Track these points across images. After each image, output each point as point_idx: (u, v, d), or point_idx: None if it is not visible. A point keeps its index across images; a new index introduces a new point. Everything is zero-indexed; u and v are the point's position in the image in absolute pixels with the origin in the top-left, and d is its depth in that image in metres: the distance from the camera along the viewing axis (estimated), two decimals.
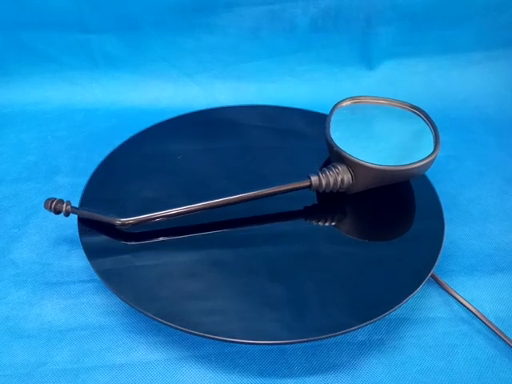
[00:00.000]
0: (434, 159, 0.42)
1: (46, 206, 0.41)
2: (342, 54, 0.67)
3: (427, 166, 0.42)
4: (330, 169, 0.42)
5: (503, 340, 0.38)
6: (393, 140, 0.45)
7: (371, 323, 0.35)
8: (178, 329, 0.34)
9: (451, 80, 0.68)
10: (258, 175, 0.47)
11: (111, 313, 0.41)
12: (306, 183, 0.42)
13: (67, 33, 0.64)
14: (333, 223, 0.43)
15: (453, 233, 0.47)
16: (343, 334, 0.34)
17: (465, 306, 0.40)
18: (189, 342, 0.39)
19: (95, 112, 0.66)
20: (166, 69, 0.68)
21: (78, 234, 0.41)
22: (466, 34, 0.66)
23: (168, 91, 0.68)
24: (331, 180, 0.41)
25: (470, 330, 0.39)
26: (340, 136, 0.43)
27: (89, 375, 0.36)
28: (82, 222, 0.42)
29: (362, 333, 0.39)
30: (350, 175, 0.41)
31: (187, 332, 0.34)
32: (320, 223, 0.43)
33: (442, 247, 0.40)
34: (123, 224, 0.40)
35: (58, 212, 0.41)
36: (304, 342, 0.34)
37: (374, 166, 0.40)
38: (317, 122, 0.54)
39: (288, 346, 0.38)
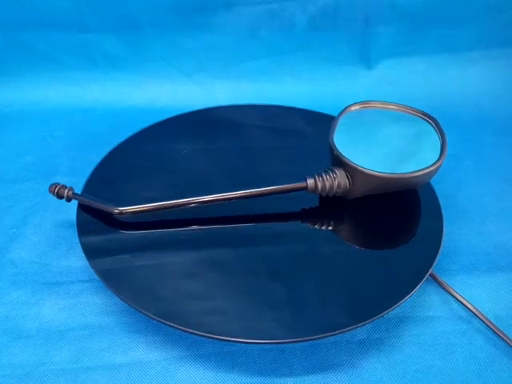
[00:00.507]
0: (437, 168, 0.40)
1: (50, 190, 0.43)
2: (341, 53, 0.67)
3: (429, 175, 0.41)
4: (327, 172, 0.41)
5: (502, 339, 0.38)
6: (399, 147, 0.44)
7: (370, 322, 0.35)
8: (177, 328, 0.34)
9: (450, 79, 0.68)
10: (257, 175, 0.47)
11: (110, 312, 0.41)
12: (303, 185, 0.41)
13: (67, 33, 0.64)
14: (332, 223, 0.43)
15: (452, 232, 0.47)
16: (342, 333, 0.34)
17: (464, 304, 0.40)
18: (188, 341, 0.39)
19: (94, 112, 0.66)
20: (165, 68, 0.68)
21: (76, 233, 0.41)
22: (465, 33, 0.66)
23: (167, 91, 0.68)
24: (327, 184, 0.41)
25: (469, 329, 0.40)
26: (344, 140, 0.43)
27: (88, 375, 0.36)
28: (82, 208, 0.43)
29: (361, 332, 0.39)
30: (347, 180, 0.41)
31: (187, 331, 0.34)
32: (320, 223, 0.43)
33: (441, 246, 0.40)
34: (121, 213, 0.41)
35: (60, 197, 0.43)
36: (303, 341, 0.34)
37: (371, 172, 0.39)
38: (316, 121, 0.55)
39: (287, 345, 0.38)
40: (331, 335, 0.34)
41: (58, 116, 0.65)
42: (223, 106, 0.58)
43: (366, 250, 0.41)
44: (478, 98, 0.66)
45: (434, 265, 0.38)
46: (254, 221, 0.43)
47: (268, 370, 0.37)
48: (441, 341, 0.39)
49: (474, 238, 0.47)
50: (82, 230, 0.41)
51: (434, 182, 0.46)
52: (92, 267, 0.38)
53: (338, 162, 0.41)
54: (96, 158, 0.49)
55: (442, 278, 0.42)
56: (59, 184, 0.43)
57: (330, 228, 0.43)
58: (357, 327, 0.34)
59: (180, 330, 0.34)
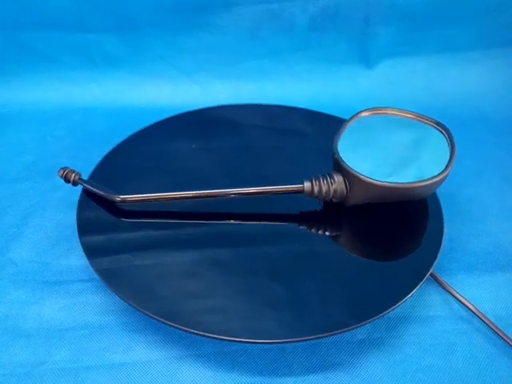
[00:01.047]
0: (440, 181, 0.39)
1: (58, 174, 0.45)
2: (341, 53, 0.67)
3: (432, 187, 0.39)
4: (325, 177, 0.41)
5: (502, 338, 0.38)
6: (406, 156, 0.42)
7: (371, 322, 0.35)
8: (177, 328, 0.34)
9: (450, 79, 0.68)
10: (257, 174, 0.47)
11: (110, 312, 0.41)
12: (299, 188, 0.41)
13: (66, 32, 0.64)
14: (333, 222, 0.43)
15: (452, 231, 0.47)
16: (343, 332, 0.34)
17: (464, 304, 0.40)
18: (188, 340, 0.39)
19: (94, 111, 0.66)
20: (165, 68, 0.68)
21: (77, 233, 0.41)
22: (465, 33, 0.66)
23: (167, 91, 0.68)
24: (323, 189, 0.40)
25: (470, 329, 0.40)
26: (349, 146, 0.42)
27: (88, 374, 0.36)
28: (87, 194, 0.44)
29: (361, 331, 0.39)
30: (344, 187, 0.40)
31: (187, 331, 0.34)
32: (320, 223, 0.43)
33: (442, 246, 0.40)
34: (122, 201, 0.42)
35: (67, 180, 0.45)
36: (304, 341, 0.34)
37: (368, 179, 0.38)
38: (316, 121, 0.55)
39: (288, 344, 0.38)
40: (331, 335, 0.34)
41: (58, 116, 0.65)
42: (223, 105, 0.58)
43: (366, 250, 0.41)
44: (478, 97, 0.66)
45: (434, 264, 0.38)
46: (254, 220, 0.43)
47: (268, 369, 0.37)
48: (441, 340, 0.39)
49: (475, 238, 0.47)
50: (82, 229, 0.41)
51: None
52: (92, 266, 0.38)
53: (338, 167, 0.41)
54: (96, 158, 0.49)
55: (443, 278, 0.42)
56: (68, 168, 0.45)
57: (331, 228, 0.43)
58: (357, 327, 0.34)
59: (180, 329, 0.34)
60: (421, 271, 0.38)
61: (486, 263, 0.45)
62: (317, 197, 0.41)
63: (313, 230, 0.42)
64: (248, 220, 0.43)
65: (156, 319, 0.34)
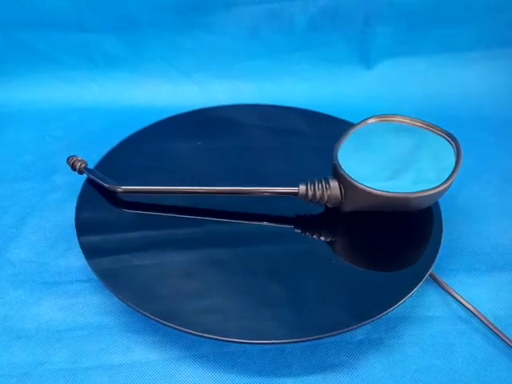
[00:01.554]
0: (439, 193, 0.38)
1: (67, 161, 0.47)
2: (341, 53, 0.67)
3: (429, 198, 0.38)
4: (320, 182, 0.40)
5: (501, 339, 0.38)
6: (410, 166, 0.41)
7: (370, 322, 0.35)
8: (176, 328, 0.34)
9: (449, 79, 0.68)
10: (255, 174, 0.47)
11: (109, 312, 0.41)
12: (294, 191, 0.41)
13: (66, 32, 0.64)
14: (333, 223, 0.43)
15: (451, 232, 0.47)
16: (342, 333, 0.34)
17: (463, 304, 0.40)
18: (187, 341, 0.39)
19: (93, 111, 0.66)
20: (164, 68, 0.68)
21: (75, 233, 0.41)
22: (465, 33, 0.66)
23: (166, 90, 0.68)
24: (318, 193, 0.40)
25: (469, 329, 0.39)
26: (350, 152, 0.41)
27: (87, 375, 0.36)
28: (90, 183, 0.45)
29: (360, 332, 0.39)
30: (339, 193, 0.40)
31: (185, 332, 0.34)
32: (320, 223, 0.43)
33: (441, 246, 0.39)
34: (124, 191, 0.43)
35: (73, 168, 0.46)
36: (303, 341, 0.34)
37: (362, 186, 0.37)
38: (315, 121, 0.55)
39: (287, 345, 0.38)
40: (331, 335, 0.34)
41: (58, 115, 0.65)
42: (223, 105, 0.58)
43: (365, 250, 0.40)
44: (477, 98, 0.66)
45: (433, 265, 0.38)
46: (253, 220, 0.43)
47: (267, 370, 0.37)
48: (440, 341, 0.39)
49: (474, 238, 0.47)
50: (81, 229, 0.41)
51: None
52: (91, 267, 0.38)
53: (335, 172, 0.40)
54: (95, 158, 0.49)
55: (442, 278, 0.42)
56: (76, 157, 0.47)
57: (331, 228, 0.43)
58: (357, 327, 0.34)
59: (179, 330, 0.34)
60: (420, 271, 0.38)
61: (485, 264, 0.45)
62: (311, 201, 0.41)
63: (312, 230, 0.42)
64: (247, 220, 0.43)
65: (155, 320, 0.34)
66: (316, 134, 0.53)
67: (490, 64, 0.67)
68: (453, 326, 0.40)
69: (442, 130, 0.42)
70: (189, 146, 0.51)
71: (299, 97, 0.66)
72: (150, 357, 0.38)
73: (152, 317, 0.34)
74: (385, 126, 0.43)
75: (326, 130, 0.53)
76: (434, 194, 0.37)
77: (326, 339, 0.38)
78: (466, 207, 0.50)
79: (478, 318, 0.39)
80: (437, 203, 0.43)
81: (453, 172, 0.38)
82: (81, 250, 0.39)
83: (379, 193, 0.37)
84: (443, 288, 0.41)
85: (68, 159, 0.47)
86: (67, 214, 0.47)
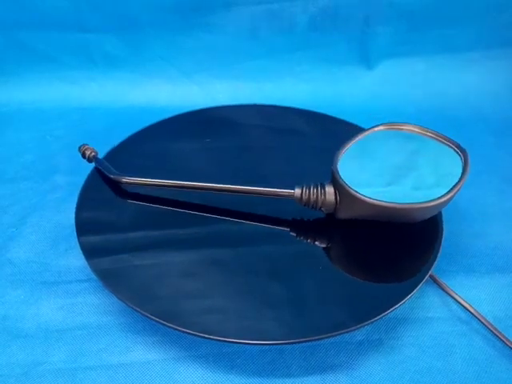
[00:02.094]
0: (438, 205, 0.36)
1: (78, 149, 0.48)
2: (341, 53, 0.67)
3: (427, 210, 0.37)
4: (316, 186, 0.40)
5: (501, 340, 0.38)
6: (412, 173, 0.40)
7: (370, 323, 0.35)
8: (175, 329, 0.34)
9: (449, 79, 0.68)
10: (255, 174, 0.47)
11: (109, 312, 0.41)
12: (290, 193, 0.40)
13: (66, 32, 0.64)
14: (333, 223, 0.43)
15: (451, 233, 0.46)
16: (342, 334, 0.34)
17: (463, 306, 0.40)
18: (186, 341, 0.38)
19: (93, 111, 0.66)
20: (164, 68, 0.68)
21: (75, 233, 0.41)
22: (465, 33, 0.66)
23: (167, 91, 0.68)
24: (312, 198, 0.39)
25: (469, 330, 0.39)
26: (353, 157, 0.40)
27: (86, 375, 0.36)
28: (97, 171, 0.47)
29: (360, 333, 0.39)
30: (333, 199, 0.39)
31: (185, 332, 0.34)
32: (320, 223, 0.43)
33: (441, 247, 0.39)
34: (127, 183, 0.44)
35: (84, 156, 0.48)
36: (303, 342, 0.34)
37: (356, 194, 0.37)
38: (316, 121, 0.55)
39: (286, 345, 0.38)
40: (331, 336, 0.34)
41: (58, 115, 0.65)
42: (223, 105, 0.57)
43: (365, 251, 0.40)
44: (477, 98, 0.66)
45: (433, 266, 0.38)
46: (254, 220, 0.43)
47: (266, 370, 0.37)
48: (440, 342, 0.39)
49: (474, 239, 0.47)
50: (81, 229, 0.41)
51: None
52: (90, 267, 0.38)
53: (332, 177, 0.39)
54: None
55: (442, 280, 0.42)
56: (88, 146, 0.48)
57: (331, 228, 0.43)
58: (357, 328, 0.34)
59: (178, 330, 0.34)
60: (420, 273, 0.38)
61: (485, 265, 0.45)
62: (305, 205, 0.40)
63: (314, 231, 0.42)
64: (248, 220, 0.43)
65: (154, 320, 0.34)
66: (316, 134, 0.53)
67: (490, 64, 0.67)
68: (452, 328, 0.40)
69: (450, 141, 0.40)
70: (189, 145, 0.51)
71: (299, 97, 0.66)
72: (149, 357, 0.38)
73: (151, 317, 0.34)
74: (392, 134, 0.42)
75: (326, 130, 0.53)
76: (432, 206, 0.36)
77: (326, 340, 0.38)
78: (466, 208, 0.50)
79: (478, 319, 0.39)
80: None
81: (457, 183, 0.37)
82: (81, 250, 0.39)
83: (372, 201, 0.36)
84: (443, 289, 0.41)
85: (80, 147, 0.48)
86: (67, 214, 0.47)
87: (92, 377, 0.36)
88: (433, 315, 0.40)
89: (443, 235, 0.41)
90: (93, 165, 0.48)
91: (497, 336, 0.38)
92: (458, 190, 0.37)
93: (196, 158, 0.49)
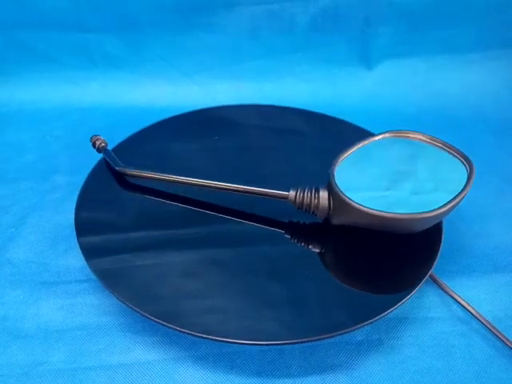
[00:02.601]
0: (433, 217, 0.35)
1: (90, 139, 0.50)
2: (341, 53, 0.67)
3: (421, 222, 0.36)
4: (310, 190, 0.39)
5: (501, 340, 0.38)
6: (415, 185, 0.38)
7: (370, 323, 0.35)
8: (174, 329, 0.34)
9: (450, 79, 0.68)
10: (256, 174, 0.47)
11: (108, 313, 0.40)
12: (285, 195, 0.40)
13: (66, 32, 0.64)
14: (332, 225, 0.43)
15: (451, 233, 0.46)
16: (342, 334, 0.34)
17: (463, 306, 0.40)
18: (186, 342, 0.38)
19: (94, 111, 0.66)
20: (165, 68, 0.68)
21: (75, 233, 0.41)
22: (465, 33, 0.66)
23: (167, 91, 0.68)
24: (306, 202, 0.39)
25: (468, 330, 0.39)
26: (354, 162, 0.39)
27: (86, 375, 0.36)
28: (105, 161, 0.48)
29: (360, 333, 0.39)
30: (327, 204, 0.38)
31: (185, 332, 0.34)
32: (320, 223, 0.43)
33: (441, 247, 0.39)
34: (132, 175, 0.45)
35: (94, 146, 0.49)
36: (302, 342, 0.34)
37: (348, 200, 0.36)
38: (316, 121, 0.55)
39: (286, 345, 0.38)
40: (331, 336, 0.34)
41: (58, 115, 0.65)
42: (223, 105, 0.57)
43: (365, 251, 0.40)
44: (477, 98, 0.66)
45: (433, 266, 0.38)
46: (254, 221, 0.43)
47: (266, 370, 0.37)
48: (440, 342, 0.39)
49: (474, 239, 0.47)
50: (80, 229, 0.41)
51: None
52: (90, 267, 0.38)
53: (328, 182, 0.38)
54: (95, 158, 0.49)
55: (442, 280, 0.42)
56: (100, 137, 0.49)
57: (330, 228, 0.42)
58: (356, 328, 0.34)
59: (178, 330, 0.34)
60: (420, 273, 0.38)
61: (484, 265, 0.44)
62: (299, 208, 0.40)
63: (313, 231, 0.42)
64: (248, 220, 0.43)
65: (154, 320, 0.34)
66: (316, 135, 0.53)
67: (490, 64, 0.67)
68: (452, 328, 0.40)
69: (457, 151, 0.39)
70: (189, 145, 0.51)
71: (299, 97, 0.66)
72: (149, 357, 0.38)
73: (151, 317, 0.34)
74: (397, 141, 0.41)
75: (326, 130, 0.53)
76: (425, 218, 0.34)
77: (326, 340, 0.38)
78: (466, 208, 0.50)
79: (478, 319, 0.39)
80: None
81: (458, 194, 0.35)
82: (80, 250, 0.39)
83: (364, 209, 0.35)
84: (443, 289, 0.41)
85: (91, 137, 0.49)
86: (67, 214, 0.47)
87: (92, 377, 0.36)
88: (433, 315, 0.40)
89: (443, 235, 0.40)
90: (92, 165, 0.48)
91: (496, 336, 0.38)
92: (459, 201, 0.35)
93: (196, 158, 0.49)
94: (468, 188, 0.36)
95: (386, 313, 0.35)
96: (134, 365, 0.37)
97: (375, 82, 0.68)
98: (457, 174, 0.37)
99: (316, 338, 0.34)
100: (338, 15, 0.64)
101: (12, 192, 0.53)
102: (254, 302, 0.36)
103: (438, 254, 0.39)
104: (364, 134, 0.50)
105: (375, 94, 0.68)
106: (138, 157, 0.49)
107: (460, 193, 0.35)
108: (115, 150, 0.50)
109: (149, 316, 0.34)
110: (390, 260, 0.40)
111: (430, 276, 0.40)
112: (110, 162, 0.47)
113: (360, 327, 0.34)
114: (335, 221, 0.39)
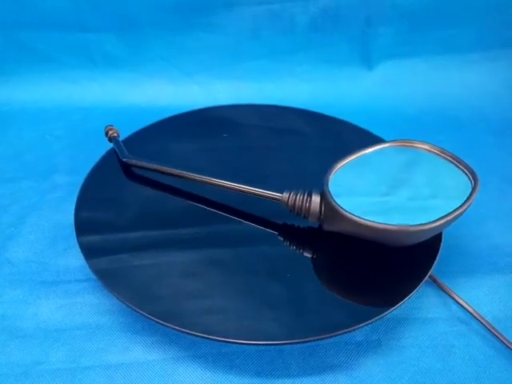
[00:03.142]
0: (428, 230, 0.33)
1: (105, 128, 0.52)
2: (342, 53, 0.67)
3: (415, 235, 0.34)
4: (303, 193, 0.38)
5: (500, 340, 0.38)
6: (416, 195, 0.37)
7: (369, 324, 0.35)
8: (174, 329, 0.34)
9: (450, 80, 0.68)
10: (256, 174, 0.47)
11: (108, 312, 0.40)
12: (278, 197, 0.40)
13: (66, 32, 0.65)
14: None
15: (451, 233, 0.46)
16: (341, 334, 0.34)
17: (463, 306, 0.40)
18: (186, 341, 0.38)
19: (94, 111, 0.66)
20: (165, 68, 0.68)
21: (74, 233, 0.41)
22: (466, 34, 0.66)
23: (167, 91, 0.68)
24: (297, 205, 0.38)
25: (468, 331, 0.39)
26: (352, 171, 0.38)
27: (85, 375, 0.36)
28: (115, 151, 0.49)
29: (359, 333, 0.39)
30: (318, 209, 0.37)
31: (184, 332, 0.34)
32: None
33: (440, 248, 0.39)
34: (138, 166, 0.46)
35: (106, 134, 0.51)
36: (302, 342, 0.34)
37: (338, 208, 0.35)
38: (316, 121, 0.55)
39: (286, 346, 0.38)
40: (330, 337, 0.34)
41: (58, 115, 0.65)
42: (223, 105, 0.57)
43: (365, 251, 0.40)
44: (477, 98, 0.66)
45: (433, 267, 0.38)
46: (253, 221, 0.43)
47: (266, 370, 0.37)
48: (439, 342, 0.39)
49: (473, 240, 0.47)
50: (80, 229, 0.41)
51: None
52: (89, 267, 0.38)
53: (323, 187, 0.38)
54: (95, 157, 0.49)
55: (441, 280, 0.42)
56: (113, 127, 0.51)
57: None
58: (356, 328, 0.34)
59: (177, 330, 0.34)
60: (420, 273, 0.37)
61: (484, 265, 0.44)
62: (291, 211, 0.39)
63: (313, 231, 0.42)
64: (248, 220, 0.43)
65: (153, 320, 0.34)
66: (316, 135, 0.52)
67: (490, 65, 0.67)
68: (452, 328, 0.40)
69: (463, 164, 0.38)
70: (189, 145, 0.51)
71: (300, 97, 0.66)
72: (148, 357, 0.37)
73: (151, 317, 0.34)
74: (402, 150, 0.40)
75: (326, 130, 0.53)
76: (420, 231, 0.33)
77: (325, 340, 0.38)
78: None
79: (478, 319, 0.39)
80: None
81: (459, 207, 0.34)
82: (80, 250, 0.39)
83: (355, 219, 0.34)
84: (442, 290, 0.41)
85: (106, 127, 0.51)
86: (66, 214, 0.47)
87: (91, 376, 0.36)
88: (432, 316, 0.40)
89: (443, 235, 0.40)
90: (92, 165, 0.48)
91: (496, 336, 0.38)
92: (458, 216, 0.34)
93: (196, 158, 0.49)
94: (469, 203, 0.34)
95: (385, 313, 0.35)
96: (133, 364, 0.37)
97: (376, 83, 0.68)
98: (460, 187, 0.36)
99: (315, 338, 0.34)
100: (338, 15, 0.64)
101: (12, 191, 0.53)
102: (254, 302, 0.36)
103: (438, 255, 0.39)
104: (364, 135, 0.50)
105: (376, 94, 0.68)
106: (138, 156, 0.49)
107: (459, 207, 0.34)
108: (114, 150, 0.50)
109: (148, 316, 0.34)
110: (390, 260, 0.40)
111: (430, 276, 0.40)
112: (118, 152, 0.48)
113: (359, 328, 0.34)
114: (326, 227, 0.39)
